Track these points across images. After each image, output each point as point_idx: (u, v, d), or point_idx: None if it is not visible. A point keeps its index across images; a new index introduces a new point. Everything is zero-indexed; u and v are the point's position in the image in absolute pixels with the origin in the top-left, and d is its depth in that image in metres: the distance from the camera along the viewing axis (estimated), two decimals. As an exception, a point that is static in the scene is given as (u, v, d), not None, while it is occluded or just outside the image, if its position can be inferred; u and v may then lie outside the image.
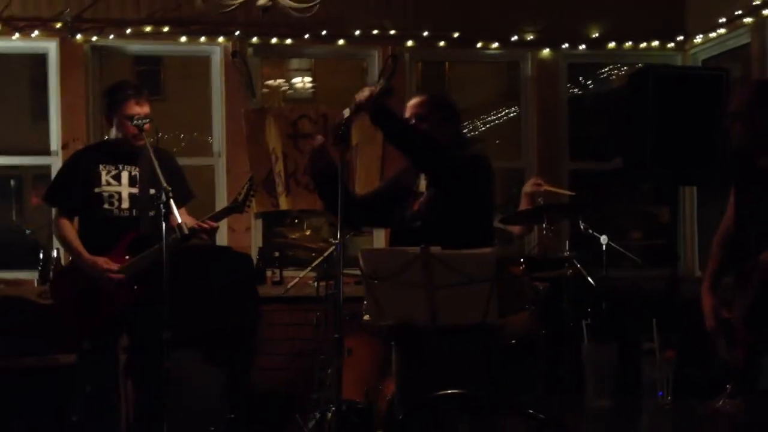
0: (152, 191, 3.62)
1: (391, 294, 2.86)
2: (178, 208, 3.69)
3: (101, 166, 3.73)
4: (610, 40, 5.71)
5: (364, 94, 2.95)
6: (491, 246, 3.02)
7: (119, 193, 3.72)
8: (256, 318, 4.89)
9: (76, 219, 3.83)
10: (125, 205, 3.72)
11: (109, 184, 3.72)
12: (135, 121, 3.58)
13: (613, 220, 6.09)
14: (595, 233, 4.73)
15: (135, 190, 3.73)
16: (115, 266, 3.61)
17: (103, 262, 3.60)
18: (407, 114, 3.20)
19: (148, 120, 3.62)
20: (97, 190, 3.69)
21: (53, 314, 4.37)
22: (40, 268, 4.97)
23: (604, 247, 4.70)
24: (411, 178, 3.23)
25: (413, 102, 3.25)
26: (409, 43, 5.52)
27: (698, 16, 5.65)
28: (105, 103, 3.78)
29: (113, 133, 3.76)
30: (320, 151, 3.14)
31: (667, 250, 5.05)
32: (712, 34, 5.42)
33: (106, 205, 3.69)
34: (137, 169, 3.74)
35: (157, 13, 5.26)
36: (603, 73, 7.46)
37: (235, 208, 3.78)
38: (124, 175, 3.75)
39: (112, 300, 3.62)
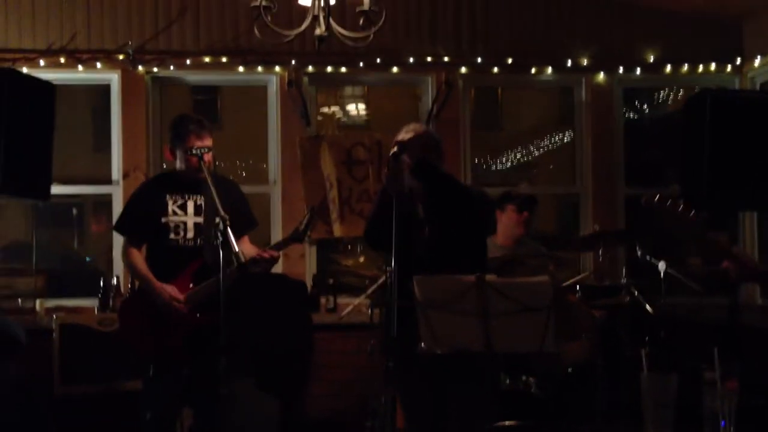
0: (217, 220, 3.67)
1: (446, 322, 2.86)
2: (241, 236, 3.75)
3: (168, 196, 3.80)
4: (666, 64, 5.65)
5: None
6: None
7: (185, 223, 3.79)
8: (309, 345, 4.91)
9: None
10: (190, 234, 3.78)
11: (175, 213, 3.79)
12: (194, 151, 3.66)
13: (671, 246, 5.98)
14: (652, 260, 4.65)
15: (200, 220, 3.79)
16: (181, 296, 3.68)
17: (171, 290, 3.68)
18: (409, 144, 3.23)
19: (206, 150, 3.69)
20: (164, 219, 3.77)
21: (115, 341, 4.48)
22: (100, 295, 5.05)
23: (662, 274, 4.61)
24: (405, 204, 3.20)
25: (421, 140, 3.29)
26: (463, 69, 5.55)
27: (756, 37, 5.56)
28: (169, 135, 3.87)
29: (178, 164, 3.84)
30: (398, 162, 3.16)
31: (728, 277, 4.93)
32: (772, 57, 5.33)
33: (172, 235, 3.76)
34: (202, 198, 3.81)
35: (215, 44, 5.39)
36: (659, 97, 7.37)
37: (296, 237, 3.82)
38: (190, 205, 3.81)
39: (176, 327, 3.68)
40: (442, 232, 3.15)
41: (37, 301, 5.11)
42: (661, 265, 4.62)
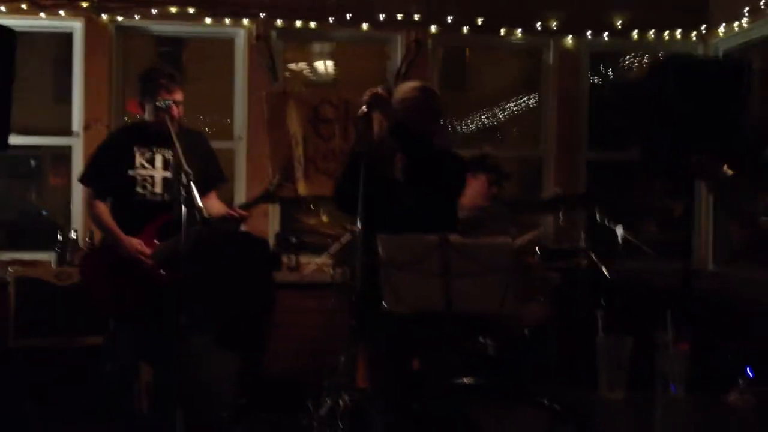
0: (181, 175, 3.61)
1: (408, 282, 2.89)
2: (208, 191, 3.73)
3: (136, 149, 3.75)
4: (634, 29, 5.68)
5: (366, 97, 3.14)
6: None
7: (152, 177, 3.74)
8: (270, 303, 4.91)
9: None
10: (158, 189, 3.74)
11: (143, 167, 3.74)
12: (158, 103, 3.61)
13: (629, 212, 6.07)
14: (610, 224, 4.72)
15: (168, 174, 3.75)
16: (147, 250, 3.65)
17: (138, 244, 3.65)
18: (418, 102, 3.22)
19: (171, 102, 3.64)
20: (131, 172, 3.72)
21: (73, 295, 4.45)
22: (57, 249, 5.00)
23: (619, 239, 4.69)
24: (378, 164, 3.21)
25: (426, 92, 3.27)
26: (433, 28, 5.52)
27: (721, 5, 5.61)
28: (139, 87, 3.80)
29: (147, 116, 3.78)
30: (366, 122, 3.16)
31: (682, 243, 5.03)
32: (735, 25, 5.38)
33: (139, 189, 3.72)
34: (171, 153, 3.77)
35: (183, -7, 5.29)
36: (624, 62, 7.41)
37: (267, 197, 3.81)
38: (158, 159, 3.77)
39: (139, 282, 3.66)
40: (421, 195, 3.16)
41: (-7, 253, 5.03)
42: (619, 230, 4.70)
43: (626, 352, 2.29)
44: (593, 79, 6.28)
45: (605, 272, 4.42)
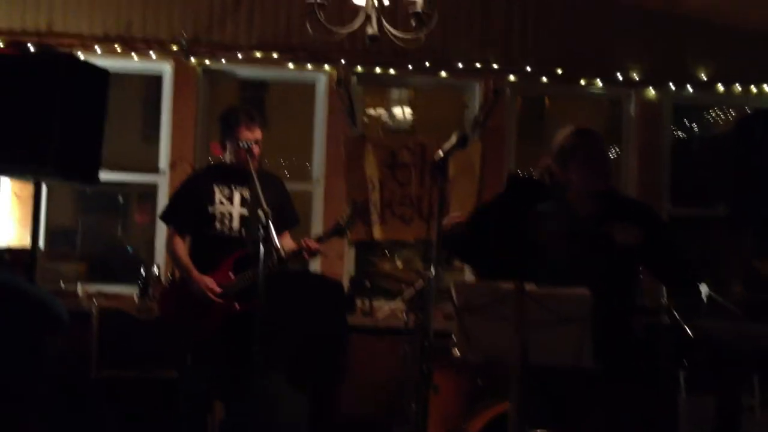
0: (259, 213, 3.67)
1: (483, 329, 2.84)
2: (282, 232, 3.78)
3: (215, 186, 3.87)
4: (718, 82, 5.57)
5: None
6: None
7: (230, 213, 3.84)
8: (343, 345, 4.90)
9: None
10: (235, 225, 3.83)
11: (222, 203, 3.84)
12: (241, 144, 3.69)
13: (715, 270, 5.87)
14: (695, 282, 4.56)
15: (245, 211, 3.83)
16: (217, 288, 3.71)
17: (209, 281, 3.72)
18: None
19: (254, 142, 3.73)
20: (210, 209, 3.83)
21: (152, 329, 4.54)
22: (140, 283, 5.11)
23: (704, 297, 4.53)
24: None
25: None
26: (511, 77, 5.51)
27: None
28: (219, 127, 3.91)
29: (227, 156, 3.88)
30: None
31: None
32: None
33: (217, 225, 3.82)
34: (248, 191, 3.84)
35: (267, 39, 5.44)
36: (709, 116, 7.25)
37: (338, 231, 3.84)
38: (236, 196, 3.87)
39: (213, 317, 3.71)
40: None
41: (79, 286, 5.20)
42: (703, 288, 4.54)
43: (709, 414, 2.19)
44: (677, 133, 6.16)
45: (688, 331, 4.26)
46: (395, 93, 10.63)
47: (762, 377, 2.17)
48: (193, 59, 5.40)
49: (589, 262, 2.98)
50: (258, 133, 3.81)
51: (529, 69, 5.52)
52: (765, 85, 5.57)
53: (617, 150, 5.96)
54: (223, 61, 5.45)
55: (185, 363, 3.82)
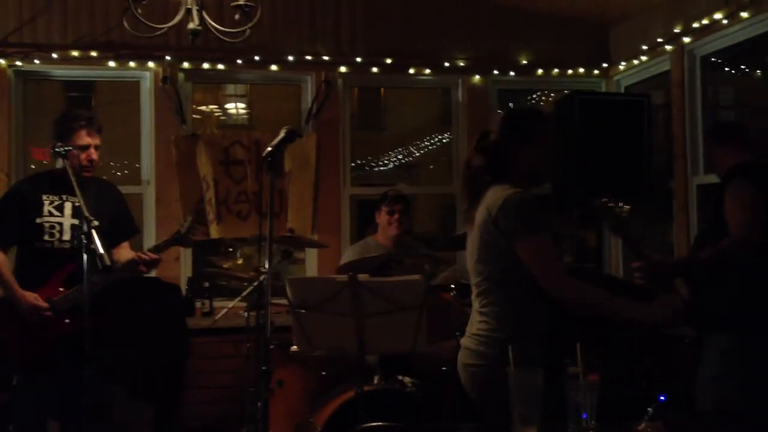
0: (95, 223, 3.44)
1: (319, 323, 2.84)
2: (121, 242, 3.62)
3: (44, 196, 3.62)
4: (538, 67, 5.84)
5: None
6: None
7: (61, 224, 3.60)
8: (184, 351, 4.76)
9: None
10: (66, 236, 3.59)
11: (51, 214, 3.60)
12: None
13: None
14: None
15: (77, 221, 3.61)
16: (43, 304, 3.49)
17: (32, 298, 3.48)
18: None
19: (92, 148, 3.56)
20: (38, 220, 3.58)
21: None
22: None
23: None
24: None
25: None
26: (342, 68, 5.55)
27: (621, 43, 5.82)
28: (54, 131, 3.66)
29: (59, 163, 3.62)
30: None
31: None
32: (635, 61, 5.58)
33: (46, 236, 3.57)
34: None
35: (85, 37, 5.18)
36: (531, 98, 7.60)
37: (179, 240, 3.71)
38: (67, 206, 3.63)
39: (42, 335, 3.49)
40: None
41: None
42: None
43: (539, 386, 2.28)
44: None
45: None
46: (230, 88, 10.47)
47: (584, 345, 2.28)
48: (2, 61, 5.06)
49: None
50: (97, 139, 3.62)
51: (359, 60, 5.57)
52: (580, 68, 5.89)
53: (449, 134, 6.14)
54: (37, 61, 5.14)
55: (13, 385, 3.58)
